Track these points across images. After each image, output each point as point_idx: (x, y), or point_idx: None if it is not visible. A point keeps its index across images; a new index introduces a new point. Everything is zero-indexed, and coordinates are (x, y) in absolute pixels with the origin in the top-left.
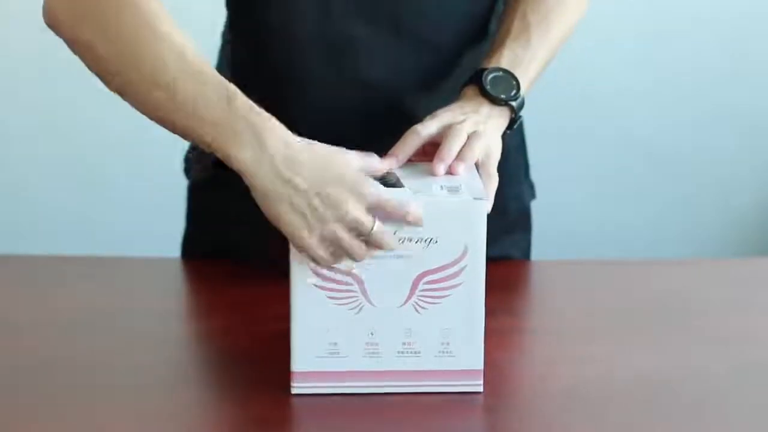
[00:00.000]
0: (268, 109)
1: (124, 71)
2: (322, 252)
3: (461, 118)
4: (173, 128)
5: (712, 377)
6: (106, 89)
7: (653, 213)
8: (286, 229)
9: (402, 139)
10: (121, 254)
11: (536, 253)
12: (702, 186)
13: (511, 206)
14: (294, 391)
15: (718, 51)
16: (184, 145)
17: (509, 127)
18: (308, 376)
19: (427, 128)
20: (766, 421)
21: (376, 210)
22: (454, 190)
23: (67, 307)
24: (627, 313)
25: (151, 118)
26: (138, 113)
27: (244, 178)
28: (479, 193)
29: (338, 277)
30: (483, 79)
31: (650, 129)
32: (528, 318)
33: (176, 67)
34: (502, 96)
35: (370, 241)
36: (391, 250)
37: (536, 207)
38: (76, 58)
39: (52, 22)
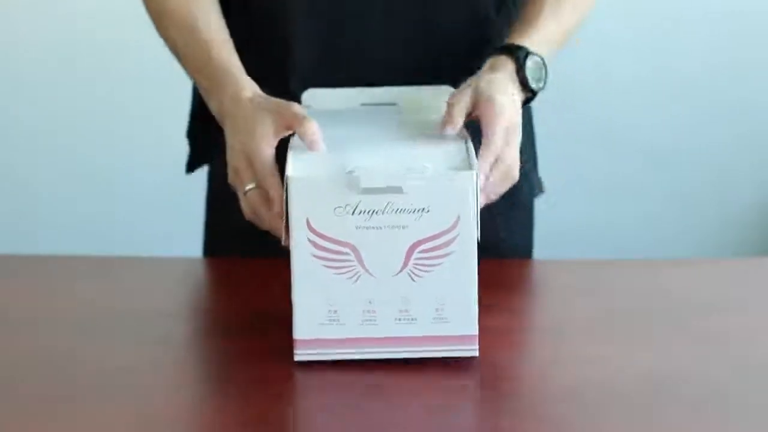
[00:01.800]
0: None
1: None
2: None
3: (498, 97)
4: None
5: (712, 377)
6: (108, 89)
7: (652, 213)
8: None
9: (448, 111)
10: (122, 254)
11: (536, 252)
12: (701, 185)
13: (529, 201)
14: (297, 358)
15: (717, 49)
16: (182, 146)
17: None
18: (310, 343)
19: (464, 99)
20: (766, 421)
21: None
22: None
23: (67, 307)
24: (627, 313)
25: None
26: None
27: None
28: (469, 162)
29: (334, 246)
30: (522, 61)
31: (649, 128)
32: (528, 317)
33: (185, 37)
34: (534, 86)
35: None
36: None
37: (536, 206)
38: (80, 59)
39: None
